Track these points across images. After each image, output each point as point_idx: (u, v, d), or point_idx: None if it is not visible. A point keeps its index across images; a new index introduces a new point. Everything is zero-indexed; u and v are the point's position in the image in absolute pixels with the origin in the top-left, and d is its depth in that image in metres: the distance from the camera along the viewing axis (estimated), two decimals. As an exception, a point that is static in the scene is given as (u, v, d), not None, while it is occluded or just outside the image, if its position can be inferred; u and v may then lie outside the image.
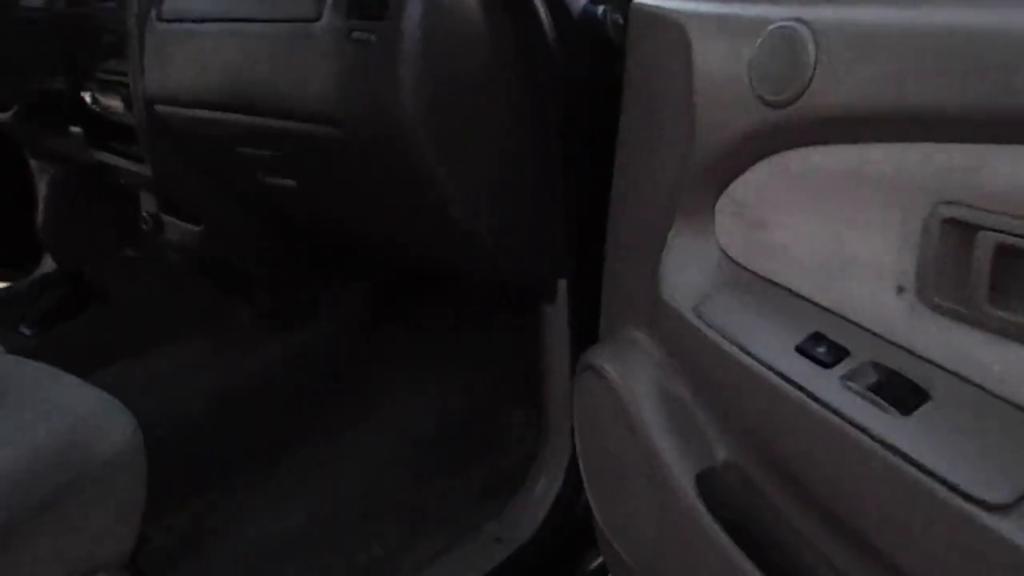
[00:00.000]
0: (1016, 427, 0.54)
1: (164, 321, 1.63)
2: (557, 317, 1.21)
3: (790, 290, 0.72)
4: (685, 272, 0.82)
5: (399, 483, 1.35)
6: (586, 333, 1.07)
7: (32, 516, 0.81)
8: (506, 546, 1.23)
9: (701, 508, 0.81)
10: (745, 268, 0.78)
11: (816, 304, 0.70)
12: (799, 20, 0.68)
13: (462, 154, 1.07)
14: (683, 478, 0.83)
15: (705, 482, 0.83)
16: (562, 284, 1.19)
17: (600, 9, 1.04)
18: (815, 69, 0.66)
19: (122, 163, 1.56)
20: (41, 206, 1.73)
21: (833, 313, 0.68)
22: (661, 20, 0.83)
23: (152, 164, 1.46)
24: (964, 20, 0.58)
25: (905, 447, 0.57)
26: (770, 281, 0.74)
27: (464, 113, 1.06)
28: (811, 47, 0.66)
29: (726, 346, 0.73)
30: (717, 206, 0.80)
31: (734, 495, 0.82)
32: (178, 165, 1.44)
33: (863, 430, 0.60)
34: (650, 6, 0.86)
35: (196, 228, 1.55)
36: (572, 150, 1.10)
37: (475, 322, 1.64)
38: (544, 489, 1.28)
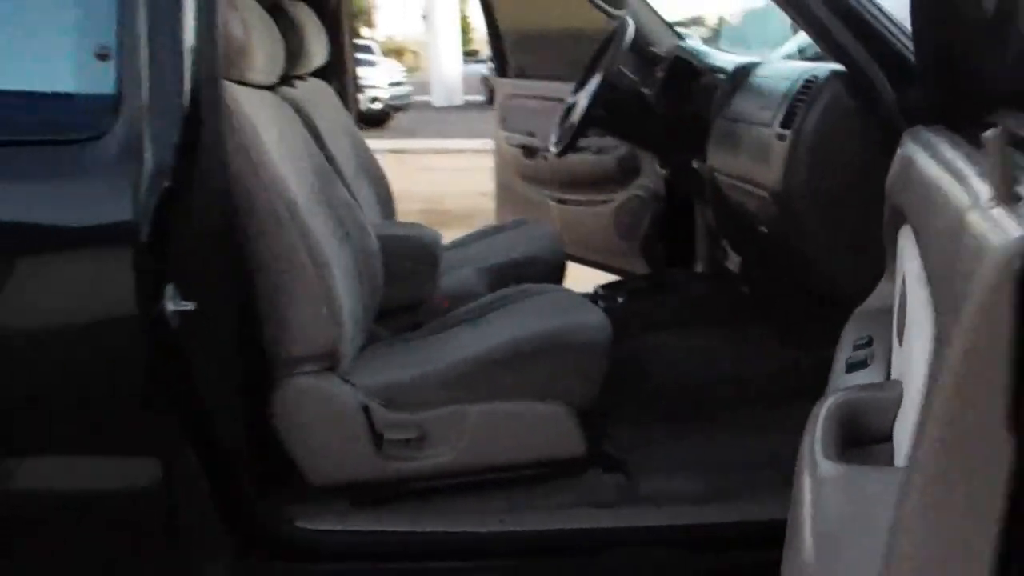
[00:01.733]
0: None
1: (699, 318, 2.38)
2: None
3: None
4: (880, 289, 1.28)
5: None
6: None
7: (532, 356, 1.66)
8: None
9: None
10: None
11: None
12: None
13: (833, 219, 1.60)
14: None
15: None
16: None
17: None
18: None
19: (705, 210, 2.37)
20: (644, 229, 2.69)
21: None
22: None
23: (713, 211, 2.24)
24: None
25: None
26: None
27: (839, 191, 1.59)
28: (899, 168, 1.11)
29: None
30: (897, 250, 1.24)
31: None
32: (725, 212, 2.18)
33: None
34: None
35: (739, 261, 2.28)
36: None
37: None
38: None
